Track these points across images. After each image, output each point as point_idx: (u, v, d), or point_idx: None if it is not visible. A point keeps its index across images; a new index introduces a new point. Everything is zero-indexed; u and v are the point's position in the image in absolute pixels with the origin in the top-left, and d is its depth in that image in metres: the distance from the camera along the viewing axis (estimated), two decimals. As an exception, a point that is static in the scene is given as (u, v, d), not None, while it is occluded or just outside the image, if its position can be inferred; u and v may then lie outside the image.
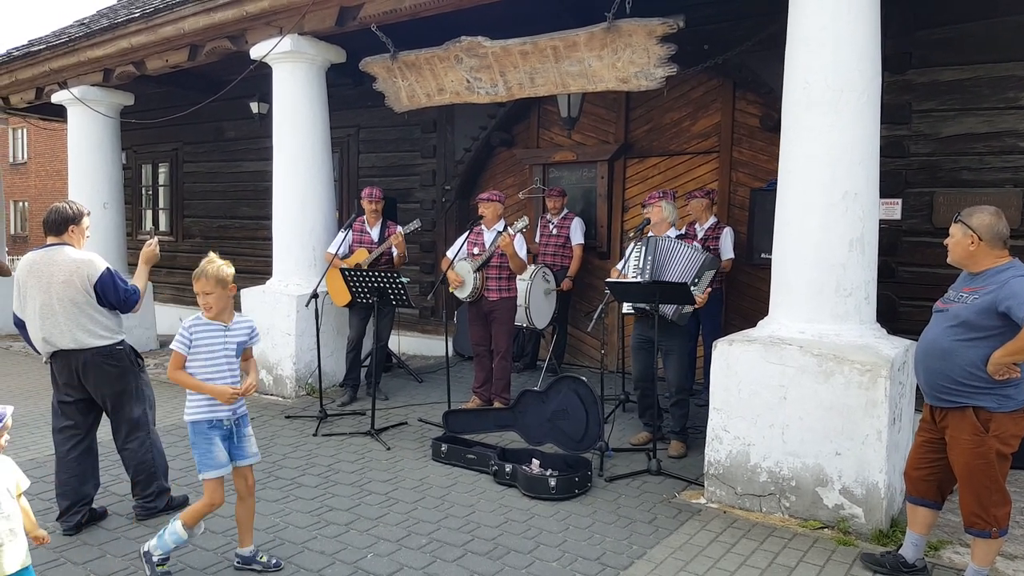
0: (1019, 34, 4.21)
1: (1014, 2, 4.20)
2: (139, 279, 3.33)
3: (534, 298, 5.41)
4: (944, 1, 4.42)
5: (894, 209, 4.64)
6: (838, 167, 3.30)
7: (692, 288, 3.95)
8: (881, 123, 3.46)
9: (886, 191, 4.08)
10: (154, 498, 3.29)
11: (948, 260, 2.69)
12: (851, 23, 3.28)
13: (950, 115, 4.49)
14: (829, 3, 3.29)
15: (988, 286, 2.51)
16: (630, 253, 4.38)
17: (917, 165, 4.61)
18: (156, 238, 3.49)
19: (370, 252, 5.45)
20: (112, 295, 3.17)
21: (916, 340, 2.84)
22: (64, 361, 3.16)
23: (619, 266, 4.41)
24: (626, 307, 4.29)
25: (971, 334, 2.52)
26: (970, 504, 2.59)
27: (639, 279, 4.10)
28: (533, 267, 5.46)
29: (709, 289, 4.14)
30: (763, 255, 4.80)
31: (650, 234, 4.36)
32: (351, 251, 5.54)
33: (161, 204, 9.57)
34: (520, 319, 5.32)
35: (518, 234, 4.80)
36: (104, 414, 3.30)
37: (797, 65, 3.41)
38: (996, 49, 4.29)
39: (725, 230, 5.24)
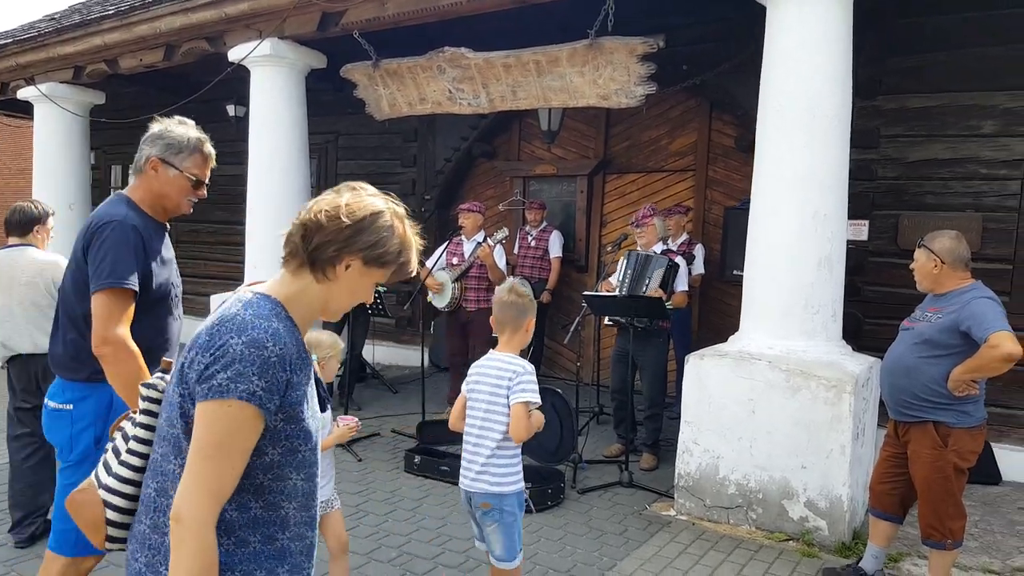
0: (983, 65, 4.39)
1: (979, 34, 4.38)
2: (107, 282, 3.25)
3: (510, 309, 5.41)
4: (914, 31, 4.59)
5: (861, 230, 4.78)
6: (809, 188, 3.39)
7: (643, 289, 4.04)
8: (851, 147, 3.57)
9: (854, 213, 4.19)
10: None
11: (917, 286, 2.78)
12: (825, 50, 3.38)
13: (917, 141, 4.65)
14: (804, 29, 3.39)
15: (951, 306, 2.61)
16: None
17: (884, 188, 4.75)
18: None
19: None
20: (78, 298, 3.08)
21: (881, 357, 2.92)
22: (23, 366, 3.08)
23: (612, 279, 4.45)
24: (607, 318, 4.33)
25: (934, 352, 2.61)
26: (927, 516, 2.67)
27: (617, 293, 4.15)
28: (512, 279, 5.46)
29: (661, 292, 4.09)
30: (735, 272, 4.89)
31: (638, 249, 4.40)
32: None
33: (131, 205, 9.34)
34: (496, 330, 5.31)
35: (497, 245, 4.82)
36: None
37: (772, 88, 3.50)
38: (962, 79, 4.46)
39: (697, 246, 5.33)
